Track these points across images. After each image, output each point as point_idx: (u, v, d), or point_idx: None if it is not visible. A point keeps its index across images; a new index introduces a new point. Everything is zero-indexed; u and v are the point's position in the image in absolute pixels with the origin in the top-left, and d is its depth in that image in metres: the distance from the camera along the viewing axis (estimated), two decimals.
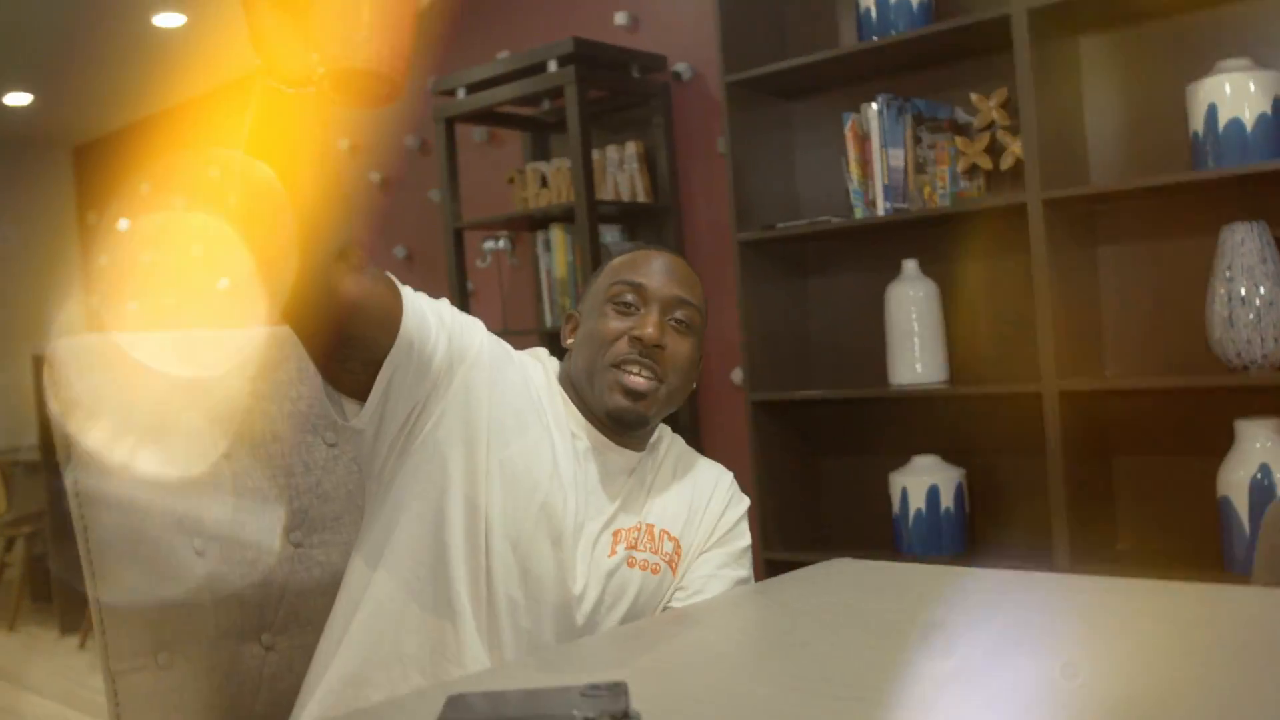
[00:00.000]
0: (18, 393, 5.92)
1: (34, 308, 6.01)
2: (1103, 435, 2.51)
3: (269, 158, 1.00)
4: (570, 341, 1.40)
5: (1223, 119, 2.11)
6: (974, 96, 2.56)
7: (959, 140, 2.58)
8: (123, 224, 5.64)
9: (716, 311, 3.31)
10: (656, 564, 1.31)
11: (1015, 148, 2.49)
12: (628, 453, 1.35)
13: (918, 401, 2.76)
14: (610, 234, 3.40)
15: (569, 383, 1.36)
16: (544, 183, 3.43)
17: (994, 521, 2.70)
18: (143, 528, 1.33)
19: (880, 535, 2.81)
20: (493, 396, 1.26)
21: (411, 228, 4.22)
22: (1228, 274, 2.14)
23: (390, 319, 1.17)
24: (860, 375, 2.87)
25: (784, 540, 2.84)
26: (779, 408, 2.88)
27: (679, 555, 1.34)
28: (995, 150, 2.56)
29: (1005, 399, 2.54)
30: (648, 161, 3.35)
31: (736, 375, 3.22)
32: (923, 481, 2.62)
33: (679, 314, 1.33)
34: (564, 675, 0.94)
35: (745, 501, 1.43)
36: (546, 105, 3.48)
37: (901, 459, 2.71)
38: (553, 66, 3.14)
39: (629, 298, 1.32)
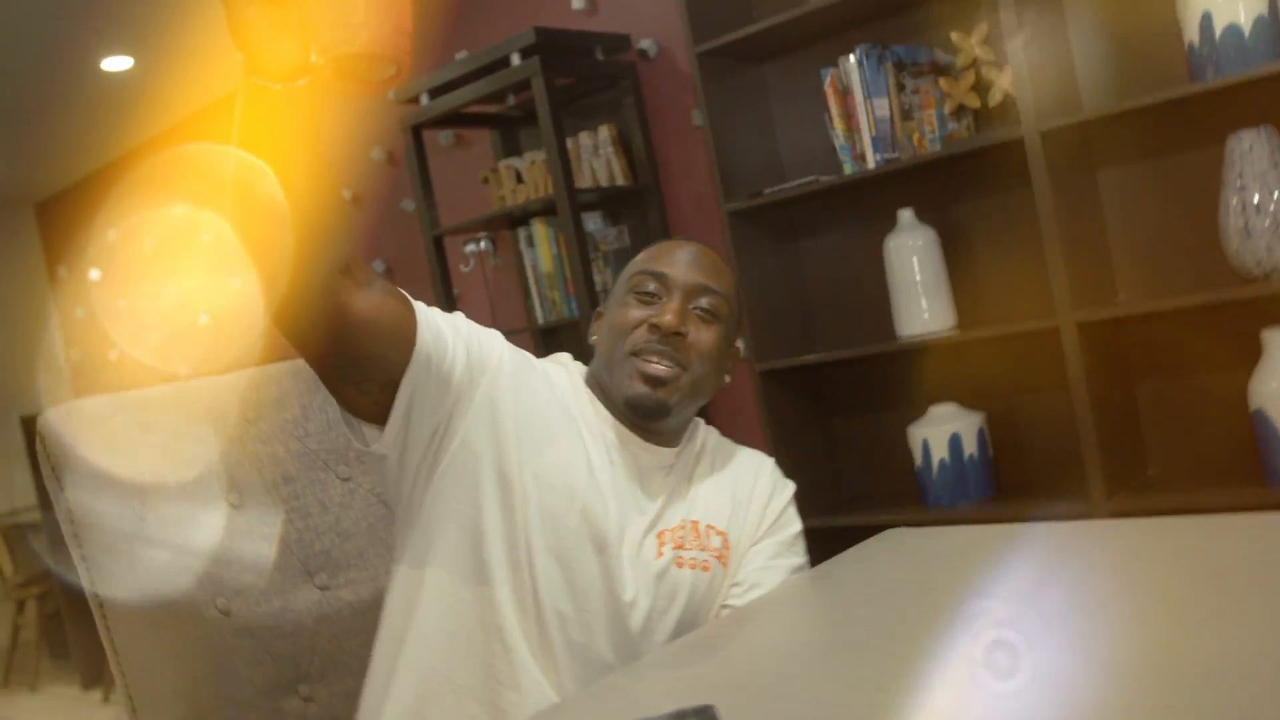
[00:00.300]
0: (9, 455, 5.83)
1: (16, 368, 5.92)
2: (1123, 363, 2.45)
3: (259, 163, 0.93)
4: (595, 338, 1.33)
5: (1219, 26, 2.03)
6: (954, 35, 2.49)
7: (943, 82, 2.50)
8: (94, 274, 5.54)
9: None
10: (706, 561, 1.25)
11: (1003, 82, 2.42)
12: (662, 450, 1.29)
13: (928, 351, 2.69)
14: (593, 222, 3.32)
15: (594, 383, 1.30)
16: (519, 179, 3.35)
17: (1020, 462, 2.64)
18: (161, 595, 1.26)
19: (905, 491, 2.76)
20: (519, 406, 1.19)
21: (388, 240, 4.13)
22: (1239, 183, 2.07)
23: (405, 334, 1.10)
24: (867, 332, 2.81)
25: (807, 507, 2.71)
26: (787, 375, 2.81)
27: (728, 549, 1.28)
28: (981, 87, 2.48)
29: (1019, 338, 2.48)
30: (622, 144, 3.27)
31: (740, 346, 3.15)
32: (943, 431, 2.56)
33: (703, 301, 1.27)
34: (640, 702, 0.87)
35: (790, 486, 1.37)
36: (512, 100, 3.39)
37: (918, 411, 2.65)
38: (516, 60, 3.06)
39: (651, 287, 1.27)
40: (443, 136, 3.80)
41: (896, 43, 2.57)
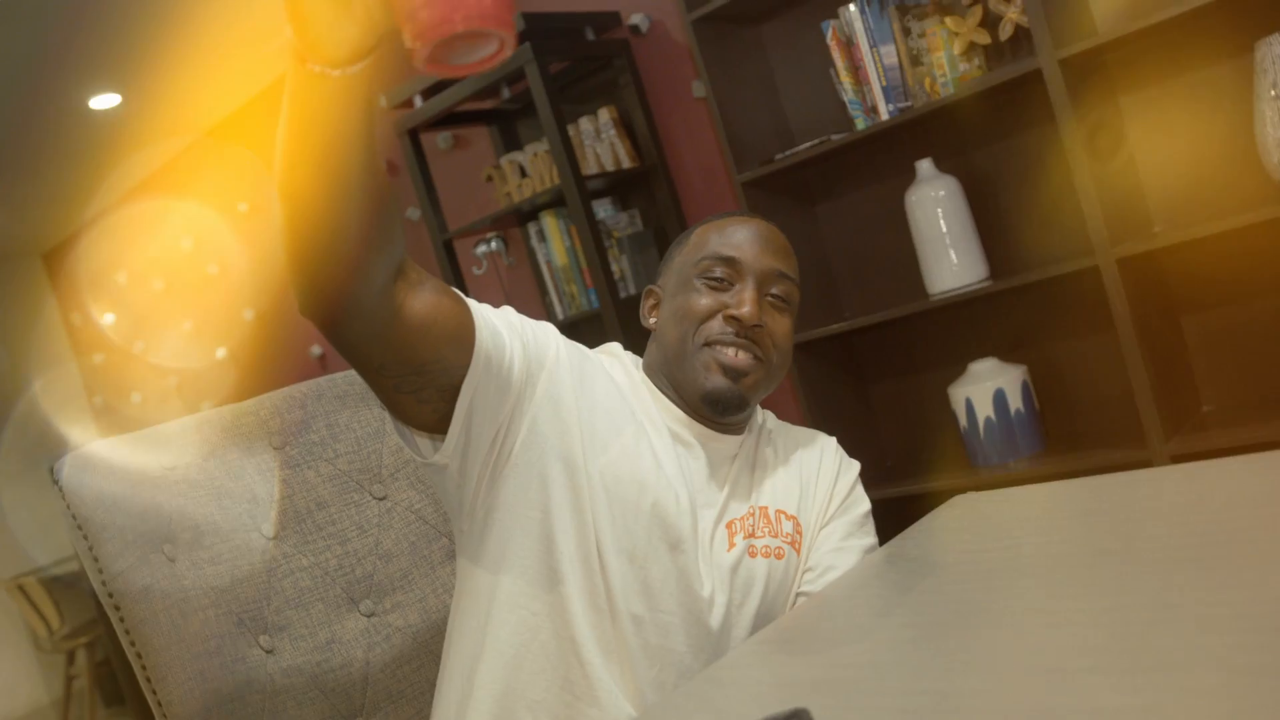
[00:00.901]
0: (44, 508, 5.82)
1: (44, 418, 5.90)
2: (1166, 296, 2.36)
3: (309, 156, 0.84)
4: (654, 321, 1.26)
5: None
6: None
7: (950, 21, 2.41)
8: (108, 319, 5.51)
9: None
10: (780, 548, 1.18)
11: (1013, 14, 2.32)
12: (729, 438, 1.22)
13: (962, 306, 2.60)
14: (603, 208, 3.24)
15: (655, 372, 1.24)
16: (523, 172, 3.27)
17: (1069, 413, 2.55)
18: (201, 639, 1.20)
19: (952, 454, 2.67)
20: (580, 401, 1.13)
21: None
22: (1273, 91, 1.97)
23: (464, 336, 1.04)
24: (896, 293, 2.72)
25: None
26: (818, 345, 2.73)
27: (800, 534, 1.21)
28: (990, 23, 2.39)
29: (1056, 282, 2.39)
30: (624, 125, 3.19)
31: None
32: (986, 388, 2.47)
33: (776, 289, 1.20)
34: (724, 710, 0.80)
35: (856, 465, 1.30)
36: (507, 93, 3.32)
37: (958, 369, 2.56)
38: None
39: (720, 272, 1.19)
40: (440, 139, 3.73)
41: None
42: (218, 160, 4.60)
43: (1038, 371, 2.54)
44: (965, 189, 2.48)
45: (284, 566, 1.30)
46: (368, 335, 0.97)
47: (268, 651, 1.25)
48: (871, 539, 1.26)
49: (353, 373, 1.39)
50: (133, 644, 1.18)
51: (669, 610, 1.11)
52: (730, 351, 1.16)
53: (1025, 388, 2.48)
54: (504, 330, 1.09)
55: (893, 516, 1.65)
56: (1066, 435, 2.54)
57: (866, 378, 2.89)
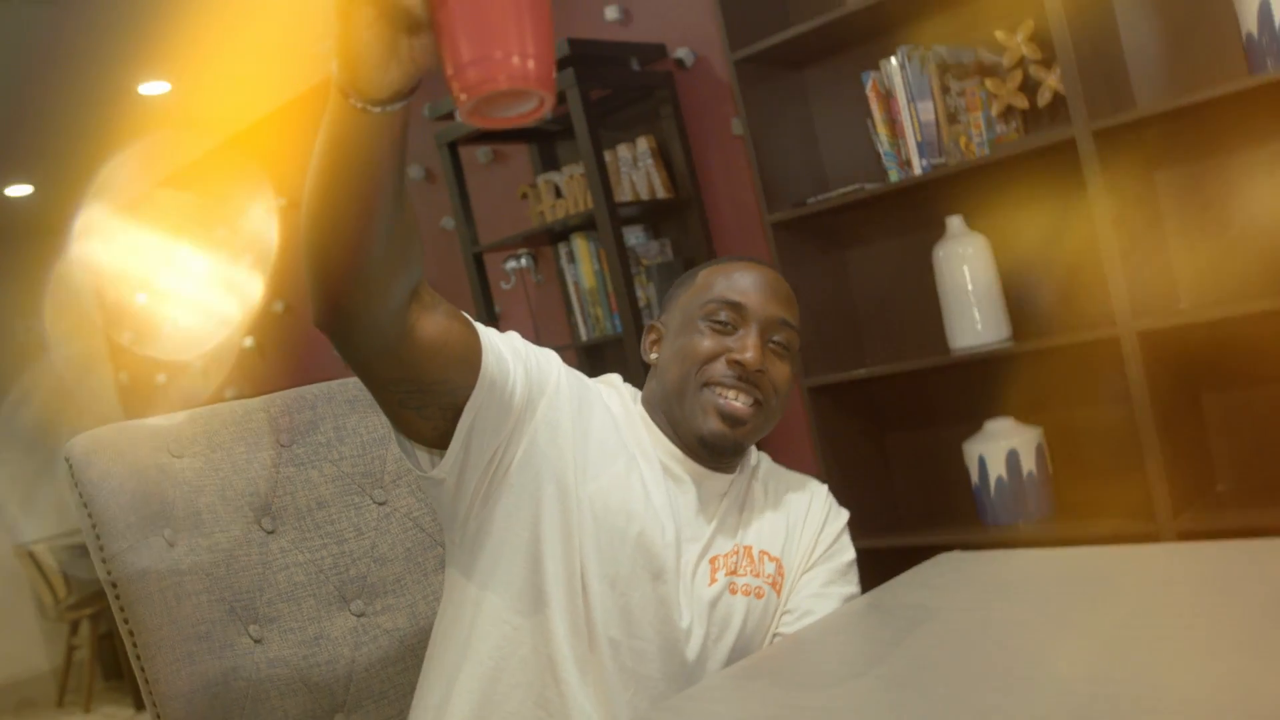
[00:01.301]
0: (63, 478, 5.89)
1: (69, 393, 5.98)
2: (1187, 373, 2.35)
3: (340, 182, 0.88)
4: (654, 356, 1.29)
5: (1279, 15, 1.95)
6: (999, 34, 2.41)
7: (989, 82, 2.43)
8: (140, 298, 5.60)
9: None
10: (760, 588, 1.21)
11: (1051, 81, 2.34)
12: (721, 476, 1.25)
13: (982, 364, 2.60)
14: (634, 236, 3.28)
15: (653, 406, 1.26)
16: (558, 193, 3.31)
17: (1081, 479, 2.54)
18: (192, 623, 1.23)
19: (961, 509, 2.67)
20: (575, 428, 1.16)
21: (429, 259, 4.07)
22: None
23: (471, 359, 1.07)
24: (918, 345, 2.73)
25: (860, 527, 2.66)
26: (837, 390, 2.74)
27: (782, 576, 1.24)
28: (1029, 87, 2.41)
29: (1076, 348, 2.39)
30: (662, 155, 3.22)
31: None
32: (1000, 446, 2.48)
33: (778, 336, 1.23)
34: None
35: (845, 514, 1.32)
36: (549, 114, 3.36)
37: (974, 426, 2.57)
38: None
39: (725, 316, 1.22)
40: (480, 153, 3.78)
41: (939, 43, 2.50)
42: (258, 153, 4.68)
43: (1053, 435, 2.54)
44: (993, 248, 2.50)
45: (280, 560, 1.33)
46: (379, 352, 1.00)
47: (256, 641, 1.28)
48: (853, 588, 1.27)
49: None
50: (126, 621, 1.21)
51: (647, 638, 1.14)
52: (730, 394, 1.19)
53: (1039, 450, 2.48)
54: (509, 356, 1.12)
55: (898, 566, 1.65)
56: (1077, 501, 2.53)
57: (883, 426, 2.89)
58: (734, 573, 1.20)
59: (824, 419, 2.71)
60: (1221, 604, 0.94)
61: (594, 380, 1.28)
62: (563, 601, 1.12)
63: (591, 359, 3.53)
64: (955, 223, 2.51)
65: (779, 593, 1.23)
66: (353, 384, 1.44)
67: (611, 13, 3.31)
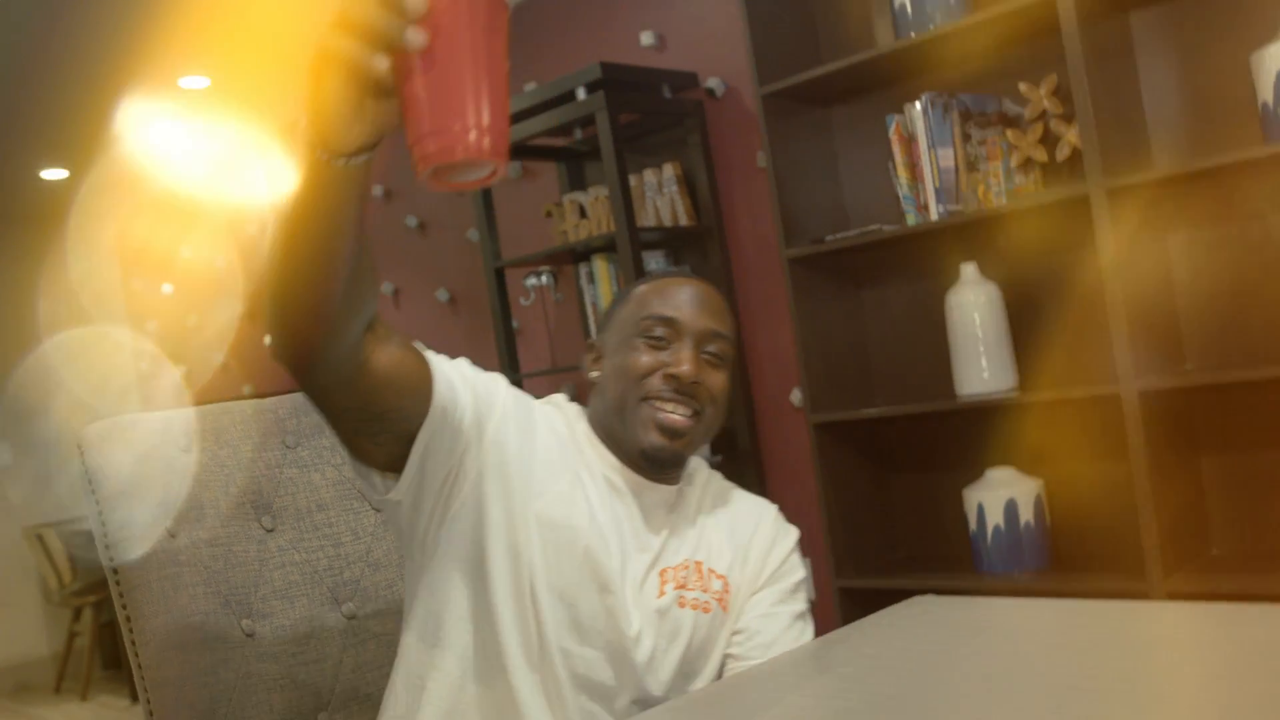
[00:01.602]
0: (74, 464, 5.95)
1: (91, 377, 6.06)
2: (1188, 434, 2.36)
3: (304, 229, 0.93)
4: (595, 374, 1.34)
5: None
6: (1023, 86, 2.45)
7: (1010, 134, 2.46)
8: (166, 289, 5.67)
9: (770, 331, 3.23)
10: (707, 602, 1.26)
11: (1071, 137, 2.37)
12: (664, 488, 1.30)
13: (987, 412, 2.62)
14: (654, 260, 3.31)
15: (596, 423, 1.31)
16: (583, 213, 3.36)
17: (1078, 533, 2.56)
18: (187, 613, 1.27)
19: (958, 555, 2.68)
20: (521, 449, 1.21)
21: (452, 270, 4.17)
22: None
23: (423, 387, 1.13)
24: (925, 388, 2.75)
25: (857, 567, 2.72)
26: (842, 428, 2.76)
27: (728, 593, 1.29)
28: (1050, 141, 2.44)
29: (1081, 403, 2.41)
30: (687, 183, 3.26)
31: (795, 396, 3.11)
32: (999, 495, 2.49)
33: (712, 347, 1.29)
34: None
35: (794, 533, 1.37)
36: (579, 134, 3.42)
37: (975, 473, 2.58)
38: (581, 94, 3.08)
39: (660, 331, 1.27)
40: (511, 169, 3.83)
41: (965, 91, 2.54)
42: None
43: (1053, 488, 2.55)
44: (1005, 297, 2.52)
45: (277, 559, 1.37)
46: (336, 384, 1.06)
47: (248, 635, 1.32)
48: (801, 606, 1.32)
49: None
50: (124, 607, 1.25)
51: (598, 646, 1.19)
52: (669, 407, 1.24)
53: (1038, 502, 2.50)
54: (458, 382, 1.17)
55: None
56: (1073, 555, 2.54)
57: (887, 466, 2.91)
58: (683, 586, 1.25)
59: (828, 456, 2.73)
60: (1187, 665, 0.95)
61: (539, 401, 1.33)
62: (513, 616, 1.17)
63: None
64: (969, 270, 2.54)
65: (725, 610, 1.28)
66: None
67: (647, 38, 3.36)
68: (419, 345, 1.17)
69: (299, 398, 1.44)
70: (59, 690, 5.31)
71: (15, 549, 5.53)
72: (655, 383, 1.25)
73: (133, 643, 1.25)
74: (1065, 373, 2.50)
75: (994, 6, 2.35)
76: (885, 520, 2.89)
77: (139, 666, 1.25)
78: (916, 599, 1.23)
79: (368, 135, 0.87)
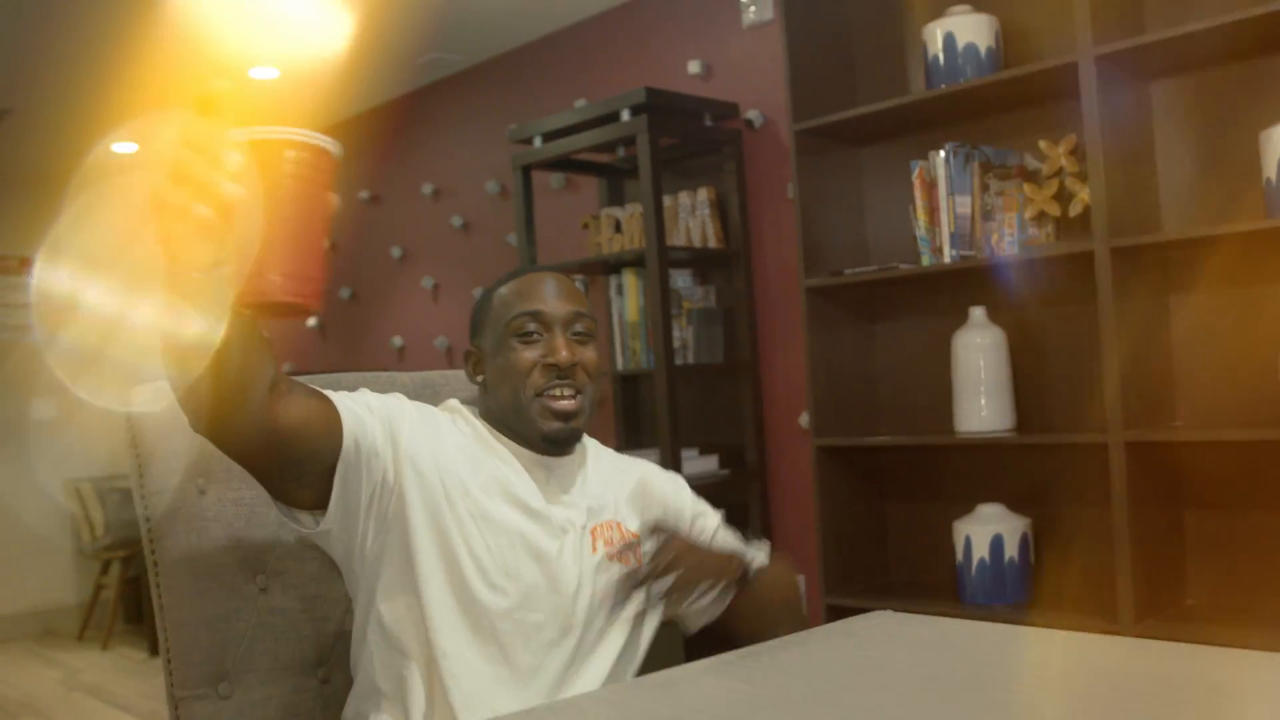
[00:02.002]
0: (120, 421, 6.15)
1: (149, 347, 6.25)
2: (1173, 487, 2.45)
3: (181, 340, 1.04)
4: (481, 379, 1.46)
5: None
6: (1043, 143, 2.55)
7: (1027, 187, 2.57)
8: None
9: (785, 354, 3.35)
10: (627, 555, 1.42)
11: (1084, 195, 2.47)
12: (566, 459, 1.44)
13: (983, 449, 2.73)
14: (682, 279, 3.44)
15: (493, 419, 1.44)
16: (618, 228, 3.49)
17: (1059, 572, 2.65)
18: (208, 565, 1.40)
19: (943, 583, 2.78)
20: (437, 453, 1.34)
21: (491, 270, 4.32)
22: None
23: (333, 428, 1.25)
24: (926, 422, 2.86)
25: (848, 587, 2.83)
26: (845, 453, 2.87)
27: (639, 546, 1.44)
28: (1064, 197, 2.54)
29: (1072, 448, 2.51)
30: (719, 207, 3.39)
31: (803, 419, 3.23)
32: (987, 530, 2.59)
33: (579, 326, 1.42)
34: None
35: (678, 477, 1.57)
36: (621, 153, 3.55)
37: (966, 507, 2.68)
38: (625, 116, 3.21)
39: (531, 327, 1.40)
40: (554, 179, 3.98)
41: (988, 143, 2.65)
42: (348, 147, 4.91)
43: (1040, 527, 2.65)
44: (1009, 341, 2.62)
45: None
46: (251, 445, 1.19)
47: (261, 590, 1.45)
48: (713, 520, 1.55)
49: (402, 380, 1.60)
50: (153, 553, 1.39)
51: (543, 610, 1.34)
52: (556, 393, 1.38)
53: (1024, 539, 2.59)
54: (363, 412, 1.30)
55: None
56: (1054, 593, 2.63)
57: (884, 493, 3.01)
58: (610, 543, 1.41)
59: (828, 478, 2.84)
60: (1127, 697, 0.99)
61: (438, 408, 1.45)
62: (457, 616, 1.30)
63: (625, 389, 3.69)
64: (978, 313, 2.64)
65: (639, 561, 1.41)
66: (384, 379, 1.61)
67: (694, 67, 3.50)
68: (324, 391, 1.28)
69: (332, 379, 1.58)
70: (81, 638, 5.50)
71: (55, 501, 5.72)
72: (539, 377, 1.38)
73: (158, 585, 1.39)
74: (1060, 418, 2.60)
75: (1022, 66, 2.46)
76: (878, 544, 2.99)
77: (161, 608, 1.39)
78: (878, 613, 1.32)
79: (212, 258, 0.96)
